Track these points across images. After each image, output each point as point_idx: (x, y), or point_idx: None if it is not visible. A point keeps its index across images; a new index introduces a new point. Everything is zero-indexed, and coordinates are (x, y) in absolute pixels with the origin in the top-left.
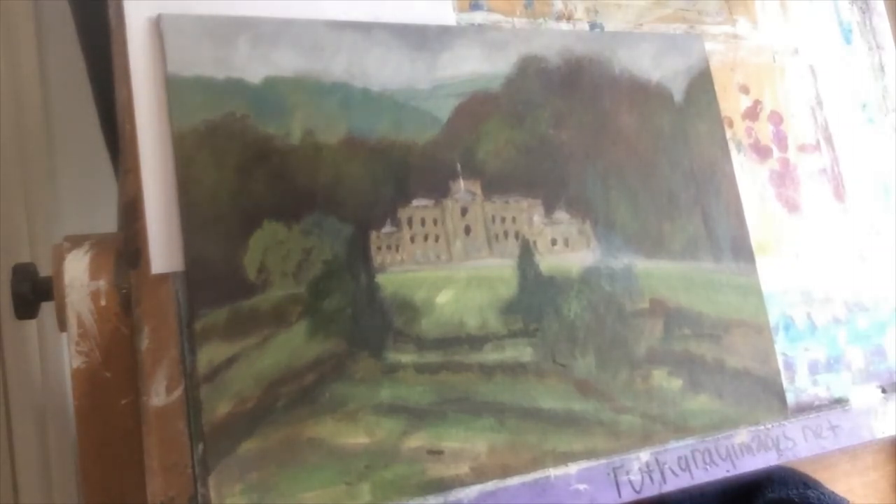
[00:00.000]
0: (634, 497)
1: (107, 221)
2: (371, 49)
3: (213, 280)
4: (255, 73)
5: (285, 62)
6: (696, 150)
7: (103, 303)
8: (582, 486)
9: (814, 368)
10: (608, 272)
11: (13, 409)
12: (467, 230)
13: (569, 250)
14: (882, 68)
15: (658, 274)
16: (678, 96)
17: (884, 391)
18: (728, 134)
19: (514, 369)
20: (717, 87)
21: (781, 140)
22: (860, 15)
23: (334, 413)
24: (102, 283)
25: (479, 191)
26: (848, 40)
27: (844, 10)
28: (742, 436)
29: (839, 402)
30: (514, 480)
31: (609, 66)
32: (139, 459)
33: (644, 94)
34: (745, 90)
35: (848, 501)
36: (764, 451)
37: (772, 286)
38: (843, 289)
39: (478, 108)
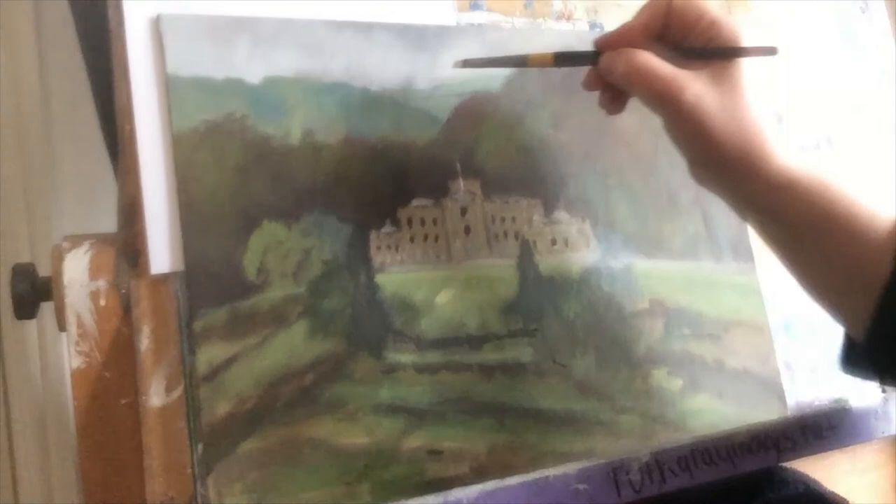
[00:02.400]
0: (634, 497)
1: (107, 221)
2: (371, 49)
3: (212, 280)
4: (254, 72)
5: (285, 62)
6: None
7: (103, 303)
8: (582, 486)
9: (814, 368)
10: (608, 272)
11: (13, 409)
12: (467, 230)
13: (568, 250)
14: (882, 68)
15: (658, 274)
16: None
17: (884, 391)
18: None
19: (514, 369)
20: None
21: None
22: (860, 14)
23: (334, 413)
24: (102, 283)
25: (478, 191)
26: (848, 40)
27: (844, 10)
28: (742, 436)
29: (839, 402)
30: (513, 480)
31: None
32: (139, 459)
33: None
34: None
35: (848, 501)
36: (764, 451)
37: (772, 286)
38: None
39: (478, 107)
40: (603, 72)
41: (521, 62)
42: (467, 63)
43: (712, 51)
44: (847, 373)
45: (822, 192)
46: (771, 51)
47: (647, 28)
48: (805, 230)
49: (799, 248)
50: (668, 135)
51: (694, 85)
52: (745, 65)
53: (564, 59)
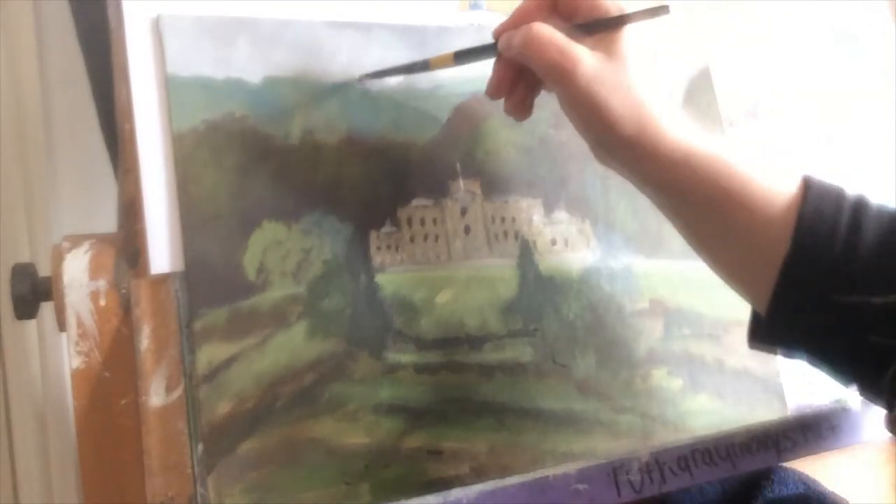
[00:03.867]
0: (634, 497)
1: (107, 221)
2: (371, 49)
3: (212, 280)
4: (254, 73)
5: (285, 62)
6: None
7: (103, 303)
8: (582, 486)
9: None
10: (608, 272)
11: (13, 409)
12: (467, 230)
13: (568, 250)
14: (883, 69)
15: (658, 274)
16: (678, 96)
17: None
18: (728, 134)
19: (514, 369)
20: (717, 87)
21: (782, 140)
22: (860, 13)
23: (334, 413)
24: (102, 283)
25: (478, 191)
26: (848, 40)
27: (844, 8)
28: (742, 436)
29: (839, 402)
30: (513, 480)
31: None
32: (139, 459)
33: None
34: (745, 90)
35: (848, 501)
36: (764, 451)
37: None
38: None
39: (478, 107)
40: (503, 51)
41: (423, 66)
42: (368, 75)
43: (602, 22)
44: (754, 348)
45: (718, 167)
46: (663, 10)
47: (540, 7)
48: (703, 205)
49: (699, 224)
50: (566, 114)
51: (588, 59)
52: (629, 39)
53: (465, 55)
